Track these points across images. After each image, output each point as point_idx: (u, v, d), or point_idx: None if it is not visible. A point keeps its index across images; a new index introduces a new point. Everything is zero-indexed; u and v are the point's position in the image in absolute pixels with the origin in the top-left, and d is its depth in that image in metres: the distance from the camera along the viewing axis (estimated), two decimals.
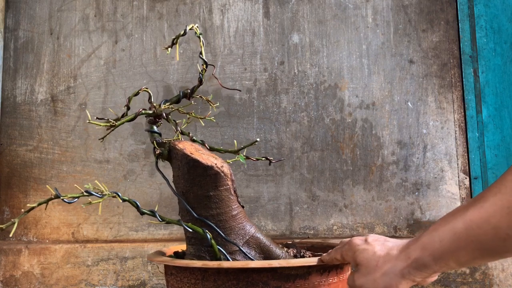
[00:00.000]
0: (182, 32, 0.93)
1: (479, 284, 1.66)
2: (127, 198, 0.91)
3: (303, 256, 0.97)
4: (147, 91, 0.98)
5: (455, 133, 1.83)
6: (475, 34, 1.88)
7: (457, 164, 1.81)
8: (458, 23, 1.89)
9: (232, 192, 0.91)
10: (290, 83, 1.87)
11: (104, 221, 1.80)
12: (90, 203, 0.83)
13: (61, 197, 0.82)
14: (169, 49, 0.94)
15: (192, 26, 0.92)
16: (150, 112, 0.95)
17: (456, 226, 0.60)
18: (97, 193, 0.87)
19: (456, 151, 1.82)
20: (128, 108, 0.96)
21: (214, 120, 1.12)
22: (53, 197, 0.82)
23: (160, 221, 0.89)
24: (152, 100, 0.99)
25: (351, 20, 1.89)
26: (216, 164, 0.89)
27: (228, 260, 0.88)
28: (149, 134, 0.98)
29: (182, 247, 1.08)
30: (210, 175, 0.89)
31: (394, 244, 0.71)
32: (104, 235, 1.80)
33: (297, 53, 1.88)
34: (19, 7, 1.94)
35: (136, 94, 0.97)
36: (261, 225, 1.80)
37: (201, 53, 0.93)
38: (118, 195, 0.89)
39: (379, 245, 0.72)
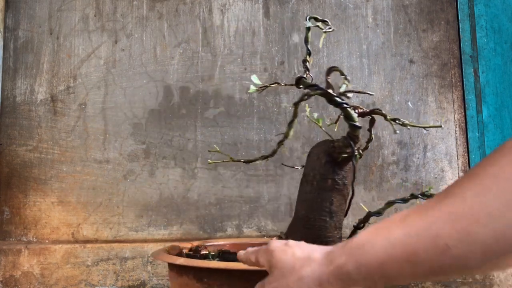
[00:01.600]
0: (324, 28, 0.90)
1: (480, 284, 1.66)
2: None
3: None
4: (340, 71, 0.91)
5: (456, 133, 1.83)
6: (475, 34, 1.88)
7: (458, 164, 1.81)
8: (458, 23, 1.89)
9: None
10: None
11: (104, 221, 1.80)
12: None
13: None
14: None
15: (313, 18, 0.89)
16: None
17: (393, 232, 0.50)
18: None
19: (457, 151, 1.82)
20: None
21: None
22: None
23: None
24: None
25: (351, 20, 1.89)
26: None
27: None
28: (354, 128, 0.87)
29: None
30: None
31: (318, 247, 0.61)
32: (104, 235, 1.79)
33: (297, 53, 1.88)
34: (19, 7, 1.94)
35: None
36: (261, 225, 1.79)
37: (306, 40, 0.90)
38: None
39: (300, 248, 0.62)
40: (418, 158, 1.81)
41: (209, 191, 1.81)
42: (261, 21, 1.90)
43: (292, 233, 0.92)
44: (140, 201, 1.80)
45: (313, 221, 0.92)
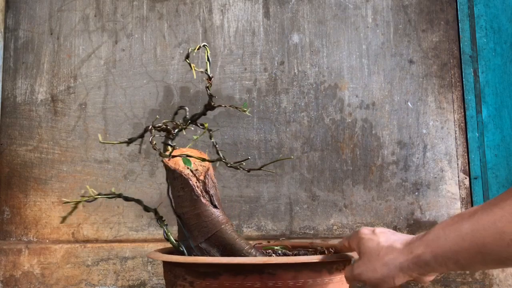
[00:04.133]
0: (187, 55, 1.00)
1: (479, 284, 1.66)
2: (131, 197, 1.01)
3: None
4: (184, 109, 1.06)
5: (455, 133, 1.83)
6: (475, 34, 1.88)
7: (457, 164, 1.81)
8: (458, 23, 1.89)
9: (200, 193, 0.98)
10: (290, 83, 1.87)
11: (104, 221, 1.80)
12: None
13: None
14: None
15: (199, 46, 0.99)
16: (161, 127, 1.04)
17: (463, 227, 0.60)
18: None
19: (456, 151, 1.82)
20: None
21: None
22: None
23: (155, 217, 1.03)
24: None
25: (351, 20, 1.89)
26: (188, 168, 0.99)
27: (184, 254, 0.96)
28: (163, 145, 1.06)
29: None
30: (176, 178, 0.99)
31: (399, 237, 0.72)
32: (104, 235, 1.80)
33: (297, 53, 1.88)
34: (19, 7, 1.95)
35: (176, 113, 1.08)
36: (261, 225, 1.80)
37: (206, 70, 1.00)
38: (121, 196, 0.97)
39: (384, 237, 0.73)
40: (417, 158, 1.81)
41: None
42: (261, 21, 1.90)
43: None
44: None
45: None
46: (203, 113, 1.07)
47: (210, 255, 0.93)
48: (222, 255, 0.93)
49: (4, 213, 1.83)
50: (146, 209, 1.01)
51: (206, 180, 1.00)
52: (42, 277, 1.72)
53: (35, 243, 1.78)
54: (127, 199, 1.00)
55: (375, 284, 0.71)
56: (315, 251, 1.04)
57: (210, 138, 1.11)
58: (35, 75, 1.90)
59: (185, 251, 0.95)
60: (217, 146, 1.10)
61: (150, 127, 1.03)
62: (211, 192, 1.00)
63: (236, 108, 1.09)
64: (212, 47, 1.90)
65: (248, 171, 1.10)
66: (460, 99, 1.85)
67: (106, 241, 1.78)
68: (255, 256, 0.93)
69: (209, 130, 1.08)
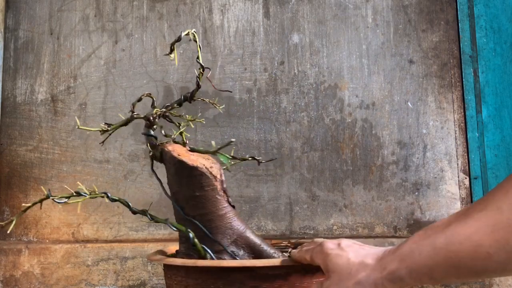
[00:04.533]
0: (177, 38, 0.95)
1: (479, 284, 1.66)
2: (117, 198, 0.93)
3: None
4: (151, 97, 1.00)
5: (455, 133, 1.83)
6: (475, 34, 1.88)
7: (457, 164, 1.81)
8: (458, 23, 1.89)
9: (220, 192, 0.91)
10: (290, 83, 1.87)
11: (104, 221, 1.80)
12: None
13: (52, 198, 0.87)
14: (169, 50, 0.96)
15: (188, 32, 0.94)
16: (142, 116, 0.98)
17: (437, 241, 0.57)
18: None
19: (456, 151, 1.82)
20: (133, 113, 0.98)
21: (204, 122, 1.15)
22: (44, 197, 0.87)
23: (150, 220, 0.93)
24: (156, 105, 1.01)
25: (351, 20, 1.89)
26: (204, 165, 0.91)
27: (213, 259, 0.89)
28: (145, 137, 1.01)
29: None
30: (195, 176, 0.91)
31: (368, 252, 0.68)
32: (104, 235, 1.80)
33: (297, 53, 1.88)
34: (19, 7, 1.95)
35: (139, 100, 1.00)
36: (261, 225, 1.80)
37: (198, 57, 0.95)
38: (107, 196, 0.91)
39: (353, 252, 0.68)
40: (417, 158, 1.81)
41: None
42: (261, 21, 1.90)
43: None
44: (140, 200, 1.80)
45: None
46: (179, 104, 1.01)
47: (239, 258, 0.89)
48: (252, 257, 0.90)
49: (4, 213, 1.83)
50: (133, 211, 0.93)
51: (223, 179, 0.93)
52: (42, 277, 1.72)
53: (35, 243, 1.78)
54: (113, 200, 0.93)
55: None
56: None
57: (181, 134, 1.06)
58: (35, 75, 1.90)
59: (212, 255, 0.89)
60: (187, 143, 1.05)
61: (132, 114, 0.99)
62: (227, 192, 0.94)
63: (212, 103, 1.07)
64: (212, 47, 1.90)
65: None
66: (460, 99, 1.85)
67: (106, 241, 1.78)
68: (280, 255, 0.92)
69: (178, 125, 1.04)
